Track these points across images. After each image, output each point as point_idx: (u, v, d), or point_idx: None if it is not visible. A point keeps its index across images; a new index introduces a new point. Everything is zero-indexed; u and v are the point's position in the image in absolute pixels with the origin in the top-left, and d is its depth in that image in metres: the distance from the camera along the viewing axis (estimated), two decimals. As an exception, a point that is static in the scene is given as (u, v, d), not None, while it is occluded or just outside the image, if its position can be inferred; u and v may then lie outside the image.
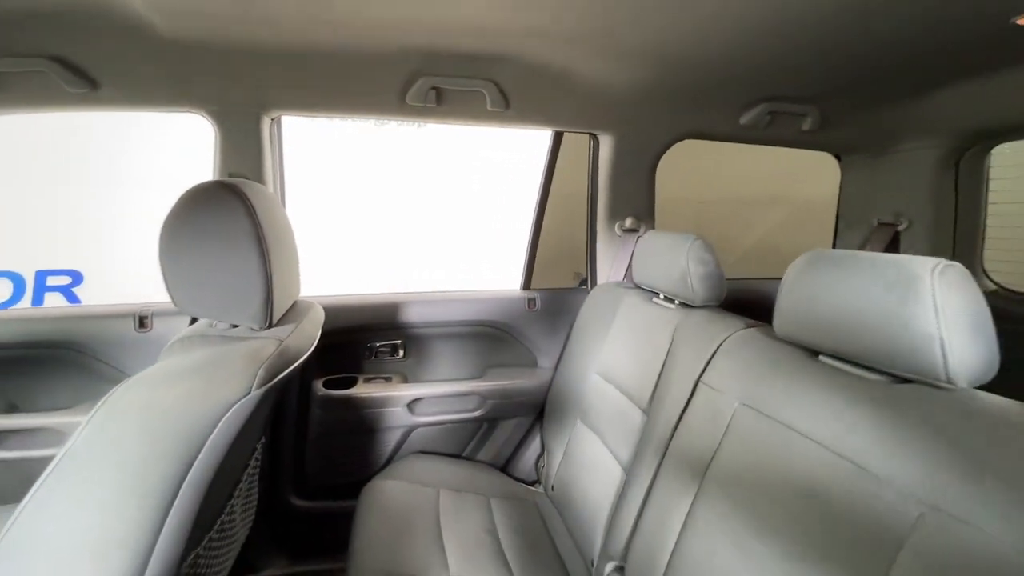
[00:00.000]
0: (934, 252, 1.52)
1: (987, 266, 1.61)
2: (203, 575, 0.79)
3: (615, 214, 1.56)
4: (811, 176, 2.38)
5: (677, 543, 0.79)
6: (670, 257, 1.12)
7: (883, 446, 0.57)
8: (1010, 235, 3.31)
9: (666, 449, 0.90)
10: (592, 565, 1.06)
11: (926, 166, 1.50)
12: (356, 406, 1.41)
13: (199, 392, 0.68)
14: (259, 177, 1.25)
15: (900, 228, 1.57)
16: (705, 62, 1.14)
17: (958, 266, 0.58)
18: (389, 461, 1.47)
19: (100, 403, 0.64)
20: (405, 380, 1.52)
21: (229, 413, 0.68)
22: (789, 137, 1.55)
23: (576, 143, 1.63)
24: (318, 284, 1.38)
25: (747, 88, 1.32)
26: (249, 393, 0.70)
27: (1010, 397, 0.55)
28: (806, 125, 1.45)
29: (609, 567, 0.94)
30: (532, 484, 1.51)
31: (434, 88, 1.23)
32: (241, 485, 0.94)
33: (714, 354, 0.89)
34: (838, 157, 1.76)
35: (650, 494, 0.90)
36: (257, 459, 1.04)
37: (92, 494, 0.59)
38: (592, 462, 1.18)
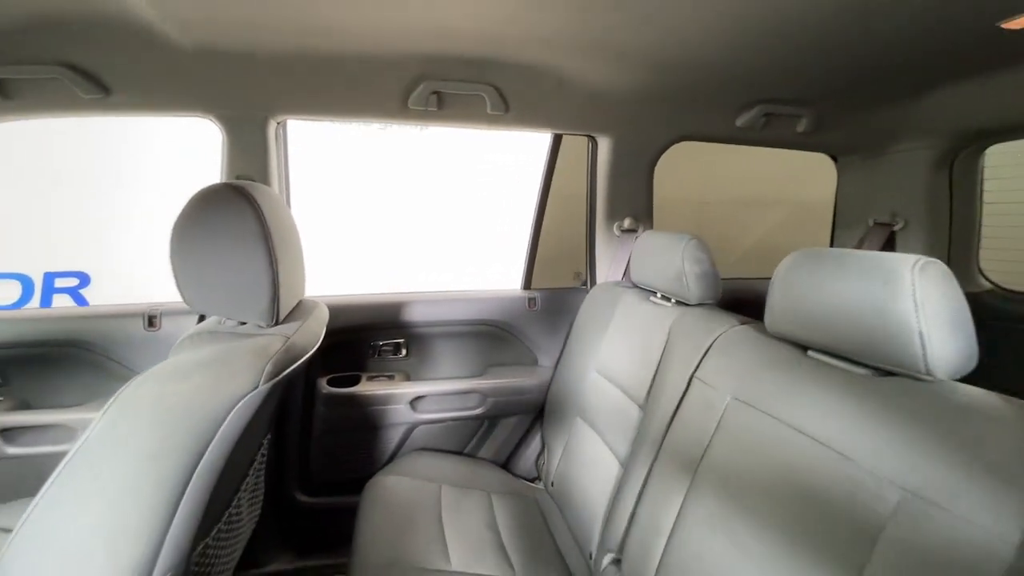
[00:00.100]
0: (930, 251, 1.54)
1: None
2: (212, 564, 0.82)
3: (614, 215, 1.58)
4: (810, 177, 2.39)
5: (671, 534, 0.81)
6: (666, 256, 1.14)
7: (866, 436, 0.59)
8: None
9: (661, 444, 0.92)
10: (591, 558, 1.08)
11: (921, 167, 1.52)
12: (360, 404, 1.43)
13: (208, 387, 0.70)
14: (265, 179, 1.29)
15: (896, 228, 1.59)
16: (701, 66, 1.17)
17: (938, 263, 0.60)
18: (392, 458, 1.49)
19: (113, 398, 0.66)
20: (408, 378, 1.54)
21: (238, 407, 0.70)
22: (785, 138, 1.57)
23: (575, 146, 1.66)
24: (325, 286, 1.41)
25: (742, 91, 1.34)
26: (257, 387, 0.72)
27: (1008, 394, 0.56)
28: (801, 127, 1.47)
29: (607, 560, 0.96)
30: (533, 481, 1.53)
31: (435, 92, 1.26)
32: (248, 479, 0.97)
33: (708, 350, 0.92)
34: (834, 158, 1.78)
35: (645, 487, 0.92)
36: (263, 454, 1.07)
37: (106, 485, 0.62)
38: (591, 458, 1.20)
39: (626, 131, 1.51)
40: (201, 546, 0.74)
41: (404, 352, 1.55)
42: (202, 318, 1.29)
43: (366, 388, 1.45)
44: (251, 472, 0.99)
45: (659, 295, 1.22)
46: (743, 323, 0.94)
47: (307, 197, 1.70)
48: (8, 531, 0.77)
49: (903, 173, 1.57)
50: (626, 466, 1.04)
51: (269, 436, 1.11)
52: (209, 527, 0.77)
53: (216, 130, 1.28)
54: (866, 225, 1.67)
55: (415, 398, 1.47)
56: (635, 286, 1.35)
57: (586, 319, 1.46)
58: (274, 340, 0.80)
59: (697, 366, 0.92)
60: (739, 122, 1.47)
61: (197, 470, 0.66)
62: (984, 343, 0.59)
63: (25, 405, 1.30)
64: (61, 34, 0.99)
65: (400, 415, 1.47)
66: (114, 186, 3.54)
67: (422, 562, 1.03)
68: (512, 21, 0.98)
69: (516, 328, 1.61)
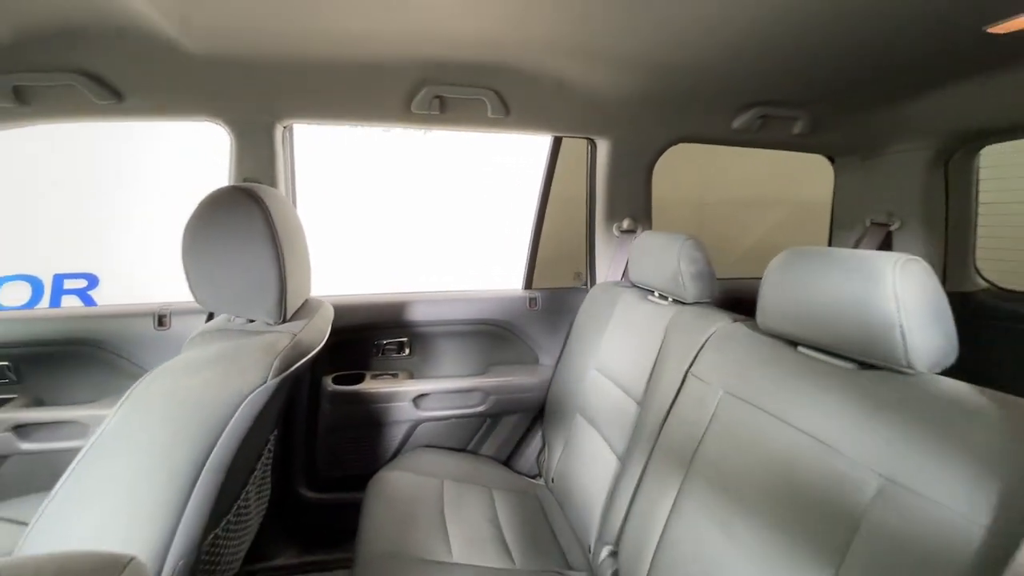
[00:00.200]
0: (926, 251, 1.57)
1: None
2: (221, 554, 0.85)
3: (613, 216, 1.61)
4: (809, 178, 2.41)
5: (665, 525, 0.83)
6: (663, 256, 1.16)
7: (850, 427, 0.62)
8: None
9: (657, 438, 0.94)
10: (589, 551, 1.10)
11: (916, 167, 1.54)
12: (364, 401, 1.46)
13: (218, 382, 0.73)
14: (272, 182, 1.32)
15: (893, 228, 1.60)
16: (697, 69, 1.19)
17: (919, 261, 0.62)
18: (396, 454, 1.52)
19: (127, 394, 0.69)
20: (411, 376, 1.57)
21: (246, 401, 0.73)
22: (781, 140, 1.60)
23: (574, 151, 1.68)
24: (330, 286, 1.44)
25: (738, 93, 1.37)
26: (265, 382, 0.75)
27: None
28: (797, 128, 1.49)
29: (604, 552, 0.98)
30: (534, 478, 1.55)
31: (437, 97, 1.29)
32: (255, 474, 1.00)
33: (702, 347, 0.94)
34: (831, 159, 1.80)
35: (642, 481, 0.94)
36: (270, 450, 1.10)
37: (120, 477, 0.65)
38: (590, 454, 1.23)
39: (624, 134, 1.54)
40: (211, 536, 0.77)
41: (408, 351, 1.58)
42: (210, 317, 1.32)
43: (370, 386, 1.48)
44: (259, 467, 1.01)
45: (656, 294, 1.24)
46: (736, 320, 0.96)
47: (313, 199, 1.73)
48: (24, 524, 0.80)
49: (899, 174, 1.59)
50: (623, 461, 1.06)
51: (276, 432, 1.14)
52: (219, 518, 0.80)
53: (217, 131, 1.31)
54: (863, 225, 1.69)
55: (418, 396, 1.50)
56: (634, 286, 1.38)
57: (586, 318, 1.48)
58: (282, 337, 0.83)
59: (692, 362, 0.94)
60: (736, 124, 1.49)
61: (207, 462, 0.69)
62: (981, 342, 0.61)
63: (39, 402, 1.34)
64: (77, 42, 1.03)
65: (403, 413, 1.50)
66: (114, 186, 3.57)
67: (424, 554, 1.05)
68: (512, 27, 1.01)
69: (517, 327, 1.63)
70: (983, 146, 1.53)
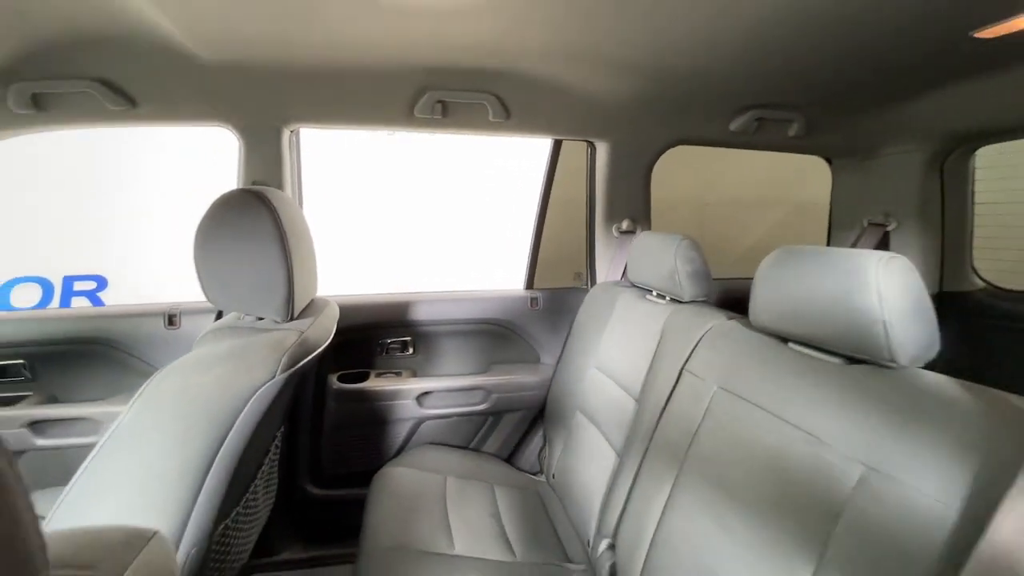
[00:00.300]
0: (923, 251, 1.59)
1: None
2: (231, 545, 0.88)
3: (612, 217, 1.63)
4: (808, 179, 2.43)
5: (661, 518, 0.86)
6: (660, 256, 1.19)
7: (836, 419, 0.64)
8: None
9: (653, 434, 0.97)
10: (588, 544, 1.13)
11: (912, 169, 1.56)
12: (368, 399, 1.49)
13: (228, 378, 0.76)
14: (279, 184, 1.35)
15: (890, 228, 1.62)
16: (694, 73, 1.22)
17: (901, 258, 0.65)
18: (400, 451, 1.55)
19: (140, 391, 0.72)
20: (414, 375, 1.60)
21: (255, 396, 0.76)
22: (778, 142, 1.62)
23: (573, 154, 1.71)
24: (335, 286, 1.47)
25: (735, 96, 1.39)
26: (274, 377, 0.79)
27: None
28: (792, 131, 1.52)
29: (603, 545, 1.01)
30: (535, 474, 1.58)
31: (440, 101, 1.32)
32: (263, 468, 1.03)
33: (697, 344, 0.97)
34: (828, 161, 1.82)
35: (638, 476, 0.97)
36: (277, 446, 1.13)
37: (135, 470, 0.68)
38: (590, 451, 1.25)
39: (623, 136, 1.57)
40: (221, 527, 0.80)
41: (411, 350, 1.61)
42: (218, 316, 1.35)
43: (375, 384, 1.51)
44: (266, 462, 1.05)
45: (654, 293, 1.27)
46: (730, 318, 0.99)
47: (319, 202, 1.76)
48: (41, 518, 0.83)
49: (895, 175, 1.61)
50: (622, 457, 1.08)
51: (283, 429, 1.17)
52: (229, 510, 0.83)
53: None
54: (861, 226, 1.71)
55: (422, 394, 1.53)
56: (633, 285, 1.40)
57: (586, 318, 1.50)
58: (289, 334, 0.86)
59: (687, 359, 0.96)
60: (733, 126, 1.52)
61: (218, 455, 0.72)
62: (977, 340, 0.62)
63: (52, 400, 1.38)
64: (93, 52, 1.07)
65: (407, 410, 1.53)
66: (118, 188, 3.60)
67: (427, 547, 1.08)
68: (512, 34, 1.04)
69: (519, 327, 1.66)
70: (978, 147, 1.55)
